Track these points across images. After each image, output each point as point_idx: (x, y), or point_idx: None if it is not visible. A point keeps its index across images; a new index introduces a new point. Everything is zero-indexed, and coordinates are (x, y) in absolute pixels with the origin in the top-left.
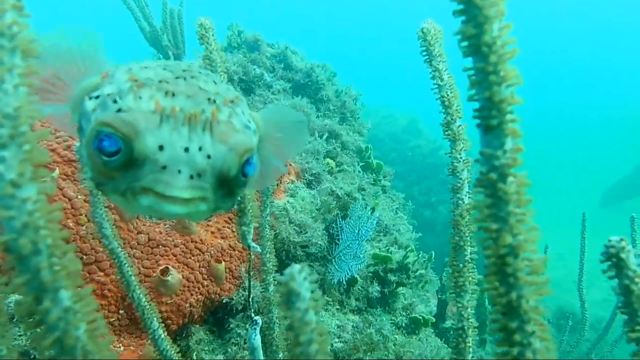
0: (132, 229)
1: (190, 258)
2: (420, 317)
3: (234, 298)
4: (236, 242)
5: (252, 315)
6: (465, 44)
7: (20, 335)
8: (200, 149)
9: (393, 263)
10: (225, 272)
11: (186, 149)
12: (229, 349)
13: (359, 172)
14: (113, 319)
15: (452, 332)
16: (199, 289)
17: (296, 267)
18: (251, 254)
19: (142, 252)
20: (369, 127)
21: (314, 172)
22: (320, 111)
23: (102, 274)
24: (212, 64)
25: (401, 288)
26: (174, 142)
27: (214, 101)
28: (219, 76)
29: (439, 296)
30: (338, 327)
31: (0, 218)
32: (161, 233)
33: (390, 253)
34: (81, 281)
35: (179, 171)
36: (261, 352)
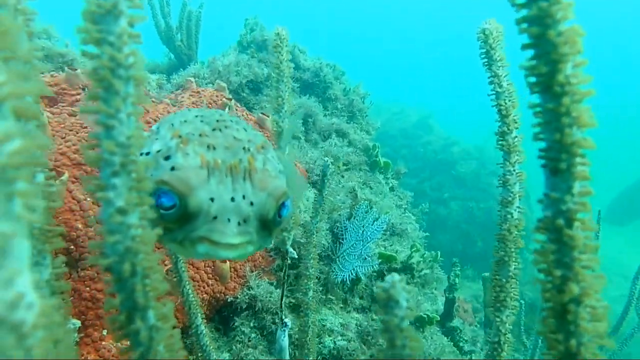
0: None
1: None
2: (425, 316)
3: (239, 297)
4: None
5: (284, 317)
6: (533, 80)
7: None
8: (243, 197)
9: (397, 263)
10: (230, 272)
11: (232, 199)
12: (234, 347)
13: (367, 171)
14: None
15: (488, 345)
16: (204, 288)
17: (396, 276)
18: (288, 258)
19: None
20: (378, 126)
21: (319, 172)
22: (328, 110)
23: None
24: (280, 74)
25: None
26: (222, 194)
27: (249, 149)
28: (246, 123)
29: (447, 295)
30: (341, 326)
31: (106, 241)
32: None
33: (396, 252)
34: (166, 299)
35: (229, 220)
36: (287, 353)
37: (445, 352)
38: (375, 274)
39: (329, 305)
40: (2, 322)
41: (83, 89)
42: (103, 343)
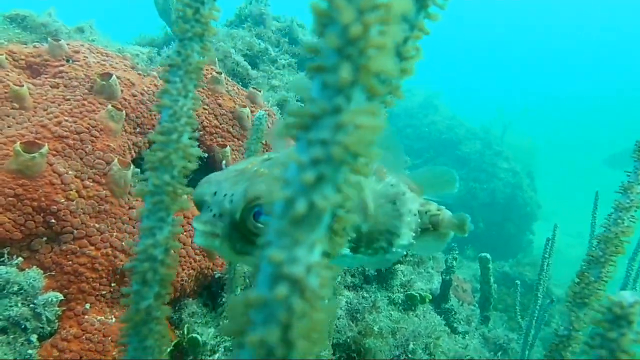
0: (124, 204)
1: (182, 233)
2: (417, 294)
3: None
4: None
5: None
6: None
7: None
8: (232, 196)
9: None
10: None
11: (224, 195)
12: (221, 322)
13: None
14: (105, 292)
15: (555, 338)
16: (190, 263)
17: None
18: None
19: (134, 227)
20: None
21: None
22: None
23: (92, 248)
24: None
25: (399, 265)
26: (221, 190)
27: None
28: None
29: (443, 277)
30: None
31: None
32: None
33: None
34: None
35: (210, 210)
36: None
37: (436, 331)
38: None
39: None
40: (298, 282)
41: (67, 60)
42: (86, 317)
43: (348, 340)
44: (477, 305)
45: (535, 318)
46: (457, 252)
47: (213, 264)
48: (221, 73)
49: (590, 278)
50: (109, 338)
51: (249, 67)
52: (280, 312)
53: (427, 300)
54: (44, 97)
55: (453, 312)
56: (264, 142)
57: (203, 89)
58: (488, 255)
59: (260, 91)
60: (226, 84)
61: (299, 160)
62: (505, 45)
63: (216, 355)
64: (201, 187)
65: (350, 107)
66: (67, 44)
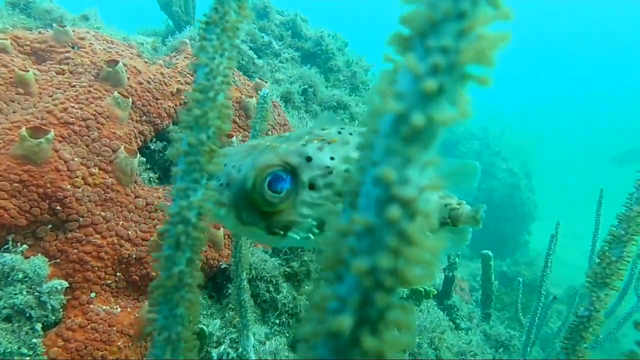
0: (130, 193)
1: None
2: (422, 289)
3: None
4: None
5: None
6: None
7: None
8: (240, 166)
9: None
10: (224, 239)
11: (233, 166)
12: (227, 314)
13: None
14: (110, 281)
15: (574, 319)
16: None
17: None
18: None
19: (139, 216)
20: None
21: None
22: (330, 81)
23: (98, 236)
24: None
25: None
26: (231, 162)
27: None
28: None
29: (446, 273)
30: None
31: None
32: (159, 198)
33: None
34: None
35: (218, 179)
36: None
37: (440, 326)
38: None
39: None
40: (410, 204)
41: (72, 47)
42: (91, 306)
43: None
44: (474, 303)
45: (538, 315)
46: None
47: (219, 255)
48: None
49: (611, 258)
50: (115, 328)
51: (255, 56)
52: (390, 237)
53: (432, 295)
54: (50, 83)
55: (455, 309)
56: (269, 121)
57: None
58: (490, 253)
59: (266, 82)
60: (232, 73)
61: (415, 68)
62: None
63: (222, 347)
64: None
65: (476, 12)
66: (73, 31)
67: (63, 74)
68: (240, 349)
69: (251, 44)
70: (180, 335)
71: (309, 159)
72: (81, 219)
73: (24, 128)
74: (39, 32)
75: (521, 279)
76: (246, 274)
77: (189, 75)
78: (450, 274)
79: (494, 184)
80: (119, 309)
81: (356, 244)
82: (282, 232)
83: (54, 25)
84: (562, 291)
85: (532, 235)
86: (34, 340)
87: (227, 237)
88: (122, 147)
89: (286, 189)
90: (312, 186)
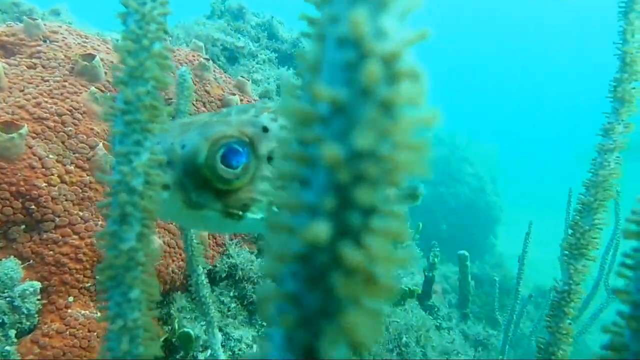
0: None
1: (172, 223)
2: (407, 288)
3: (218, 265)
4: None
5: None
6: None
7: None
8: (183, 142)
9: None
10: (209, 239)
11: (171, 143)
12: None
13: None
14: (89, 284)
15: (553, 295)
16: (180, 255)
17: None
18: None
19: None
20: None
21: None
22: None
23: (76, 237)
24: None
25: None
26: (166, 139)
27: (229, 113)
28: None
29: (426, 274)
30: None
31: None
32: None
33: None
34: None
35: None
36: None
37: (425, 324)
38: None
39: None
40: (391, 61)
41: (44, 41)
42: (69, 311)
43: None
44: (448, 305)
45: (515, 313)
46: (437, 249)
47: (204, 256)
48: (209, 60)
49: (584, 227)
50: (95, 333)
51: (230, 61)
52: (369, 109)
53: (416, 294)
54: (20, 78)
55: (436, 309)
56: (194, 101)
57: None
58: (466, 253)
59: (248, 80)
60: (214, 71)
61: None
62: (466, 52)
63: (208, 352)
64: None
65: None
66: (44, 24)
67: (35, 68)
68: (209, 351)
69: (227, 45)
70: (138, 322)
71: (265, 130)
72: (57, 219)
73: None
74: (7, 25)
75: (497, 278)
76: (202, 267)
77: None
78: (431, 274)
79: (462, 189)
80: (99, 314)
81: (323, 130)
82: (240, 213)
83: (25, 18)
84: (529, 291)
85: (498, 239)
86: (7, 347)
87: (211, 237)
88: (101, 144)
89: (243, 163)
90: (270, 159)
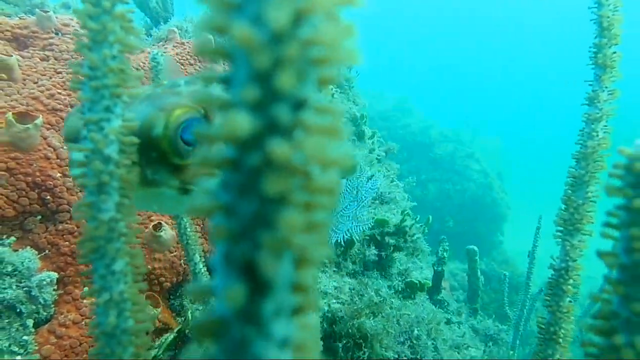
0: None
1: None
2: (417, 282)
3: None
4: None
5: None
6: None
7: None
8: (133, 114)
9: (390, 226)
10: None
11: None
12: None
13: (355, 140)
14: None
15: (552, 273)
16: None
17: None
18: None
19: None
20: (365, 103)
21: None
22: None
23: None
24: None
25: (397, 253)
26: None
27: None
28: None
29: (435, 268)
30: (335, 289)
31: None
32: None
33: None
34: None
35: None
36: None
37: (437, 317)
38: (367, 238)
39: (323, 269)
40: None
41: (56, 33)
42: (85, 301)
43: (354, 325)
44: (456, 302)
45: (526, 308)
46: (447, 243)
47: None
48: None
49: (577, 201)
50: None
51: None
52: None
53: (427, 287)
54: (34, 70)
55: (445, 303)
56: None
57: (200, 67)
58: (475, 248)
59: None
60: (224, 63)
61: None
62: (471, 49)
63: None
64: (73, 117)
65: None
66: (56, 17)
67: (47, 61)
68: None
69: None
70: (124, 295)
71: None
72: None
73: (10, 113)
74: (20, 18)
75: (507, 274)
76: (199, 256)
77: (179, 64)
78: (440, 268)
79: (468, 185)
80: None
81: (237, 16)
82: None
83: (37, 10)
84: (538, 288)
85: (505, 236)
86: (25, 337)
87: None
88: None
89: None
90: None
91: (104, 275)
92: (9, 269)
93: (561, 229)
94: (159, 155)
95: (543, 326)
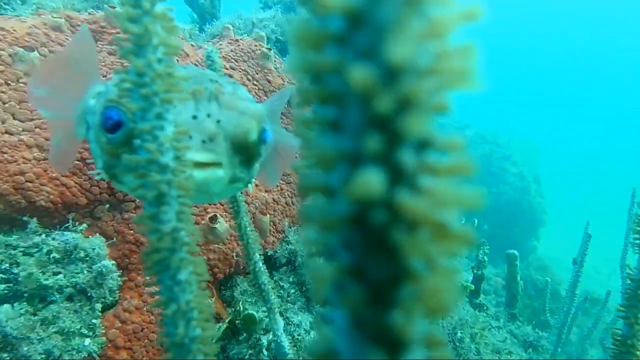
0: None
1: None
2: (460, 284)
3: (278, 251)
4: (279, 196)
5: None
6: None
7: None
8: (208, 115)
9: None
10: (270, 226)
11: (194, 117)
12: None
13: None
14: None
15: (627, 284)
16: None
17: None
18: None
19: None
20: None
21: None
22: None
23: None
24: None
25: None
26: (180, 112)
27: (217, 81)
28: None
29: (475, 272)
30: None
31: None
32: None
33: None
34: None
35: (190, 137)
36: None
37: (478, 321)
38: None
39: None
40: None
41: None
42: (147, 288)
43: None
44: (489, 306)
45: (570, 315)
46: (487, 247)
47: (264, 242)
48: (270, 49)
49: None
50: None
51: (281, 53)
52: (394, 13)
53: (469, 290)
54: (103, 64)
55: (485, 307)
56: (256, 90)
57: (252, 64)
58: (516, 252)
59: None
60: (275, 60)
61: None
62: (513, 48)
63: (270, 335)
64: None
65: None
66: None
67: (115, 55)
68: (271, 334)
69: (280, 37)
70: (191, 304)
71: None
72: (138, 200)
73: None
74: (89, 13)
75: (548, 280)
76: (258, 255)
77: (233, 60)
78: (480, 272)
79: (504, 188)
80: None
81: (342, 51)
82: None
83: (105, 6)
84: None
85: (540, 242)
86: (94, 320)
87: (272, 224)
88: None
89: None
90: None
91: (170, 286)
92: (82, 254)
93: (638, 237)
94: (249, 157)
95: (619, 338)
